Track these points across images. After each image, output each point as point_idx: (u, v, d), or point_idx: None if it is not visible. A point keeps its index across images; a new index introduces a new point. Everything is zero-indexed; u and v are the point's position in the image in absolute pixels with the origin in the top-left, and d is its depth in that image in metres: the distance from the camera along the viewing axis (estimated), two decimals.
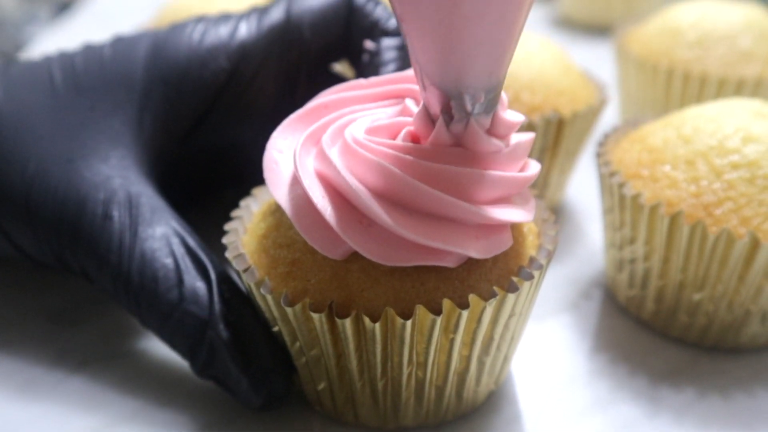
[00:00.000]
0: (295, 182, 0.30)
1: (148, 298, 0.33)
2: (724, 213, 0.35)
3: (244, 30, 0.40)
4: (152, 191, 0.37)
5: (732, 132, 0.36)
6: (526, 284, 0.31)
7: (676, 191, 0.36)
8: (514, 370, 0.38)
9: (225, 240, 0.33)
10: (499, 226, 0.30)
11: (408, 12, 0.25)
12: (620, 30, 0.60)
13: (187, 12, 0.59)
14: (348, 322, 0.29)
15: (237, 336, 0.33)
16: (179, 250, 0.34)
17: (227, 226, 0.34)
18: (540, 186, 0.47)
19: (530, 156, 0.40)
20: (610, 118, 0.62)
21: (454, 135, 0.28)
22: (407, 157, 0.29)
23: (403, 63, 0.40)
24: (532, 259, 0.32)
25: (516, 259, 0.32)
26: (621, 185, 0.37)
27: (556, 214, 0.51)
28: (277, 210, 0.33)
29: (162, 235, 0.35)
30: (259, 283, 0.30)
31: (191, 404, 0.35)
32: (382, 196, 0.28)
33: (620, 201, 0.38)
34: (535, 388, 0.37)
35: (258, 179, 0.37)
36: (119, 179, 0.36)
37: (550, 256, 0.32)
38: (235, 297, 0.34)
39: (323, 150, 0.29)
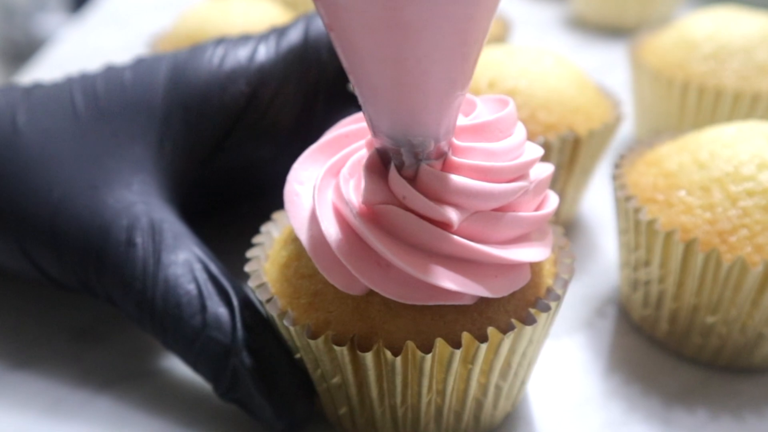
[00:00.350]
0: (315, 217, 0.31)
1: (173, 324, 0.34)
2: (738, 240, 0.35)
3: (263, 53, 0.41)
4: (174, 217, 0.37)
5: (747, 159, 0.37)
6: (543, 315, 0.31)
7: (692, 217, 0.36)
8: (530, 391, 0.38)
9: (247, 268, 0.34)
10: (517, 265, 0.30)
11: (356, 67, 0.25)
12: (635, 39, 0.60)
13: (205, 20, 0.59)
14: (369, 355, 0.30)
15: (259, 362, 0.33)
16: (202, 276, 0.35)
17: (249, 254, 0.35)
18: None
19: None
20: (624, 126, 0.63)
21: (407, 178, 0.29)
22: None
23: None
24: (548, 290, 0.33)
25: (533, 289, 0.32)
26: (637, 210, 0.38)
27: (570, 228, 0.51)
28: (297, 238, 0.34)
29: (185, 261, 0.35)
30: (282, 315, 0.31)
31: (215, 424, 0.36)
32: (399, 237, 0.29)
33: (636, 225, 0.38)
34: (550, 409, 0.38)
35: (276, 195, 0.38)
36: (142, 205, 0.37)
37: (566, 286, 0.33)
38: (257, 323, 0.34)
39: (340, 188, 0.30)
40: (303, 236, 0.31)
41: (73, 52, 0.84)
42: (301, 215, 0.31)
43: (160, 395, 0.38)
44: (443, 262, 0.29)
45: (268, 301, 0.32)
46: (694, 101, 0.53)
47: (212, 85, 0.40)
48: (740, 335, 0.37)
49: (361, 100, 0.27)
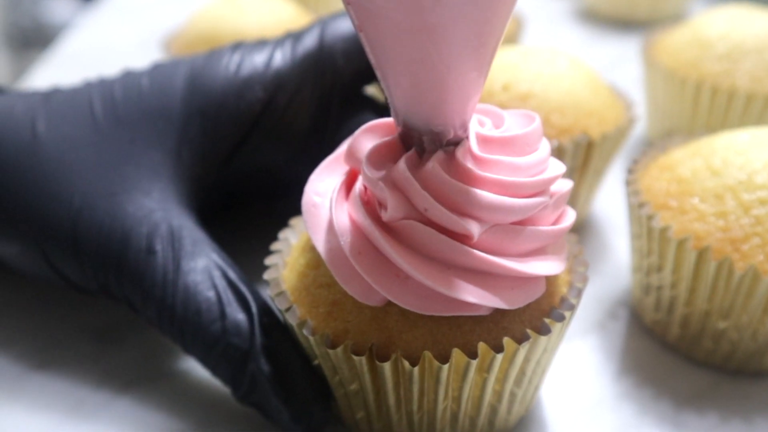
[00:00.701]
0: (333, 229, 0.31)
1: (192, 330, 0.35)
2: (751, 248, 0.36)
3: (279, 59, 0.41)
4: (192, 223, 0.38)
5: (760, 167, 0.37)
6: (558, 324, 0.32)
7: (704, 225, 0.37)
8: (543, 393, 0.39)
9: (266, 276, 0.34)
10: (534, 277, 0.31)
11: (384, 65, 0.27)
12: (648, 37, 0.60)
13: (218, 19, 0.60)
14: (388, 365, 0.30)
15: (277, 368, 0.34)
16: (221, 283, 0.36)
17: (268, 261, 0.35)
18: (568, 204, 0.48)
19: None
20: (637, 124, 0.63)
21: (424, 162, 0.30)
22: None
23: None
24: (563, 299, 0.33)
25: (548, 298, 0.33)
26: (650, 217, 0.38)
27: (583, 229, 0.52)
28: (315, 246, 0.34)
29: (204, 268, 0.36)
30: (301, 324, 0.32)
31: (235, 425, 0.37)
32: (418, 249, 0.29)
33: (648, 232, 0.39)
34: (563, 412, 0.38)
35: (290, 196, 0.39)
36: (161, 212, 0.37)
37: (580, 295, 0.33)
38: (275, 329, 0.35)
39: (357, 201, 0.30)
40: (321, 247, 0.31)
41: (86, 45, 0.84)
42: (319, 226, 0.32)
43: (180, 396, 0.38)
44: (461, 275, 0.30)
45: (288, 310, 0.32)
46: (707, 101, 0.53)
47: (229, 91, 0.40)
48: (751, 341, 0.38)
49: (386, 93, 0.29)
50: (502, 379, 0.33)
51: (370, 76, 0.44)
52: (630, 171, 0.42)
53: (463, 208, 0.29)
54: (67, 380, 0.40)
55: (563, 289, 0.34)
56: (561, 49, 0.50)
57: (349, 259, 0.30)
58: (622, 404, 0.39)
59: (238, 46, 0.42)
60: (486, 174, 0.30)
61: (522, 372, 0.33)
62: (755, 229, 0.36)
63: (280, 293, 0.33)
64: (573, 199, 0.48)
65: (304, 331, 0.31)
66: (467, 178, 0.30)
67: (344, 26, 0.43)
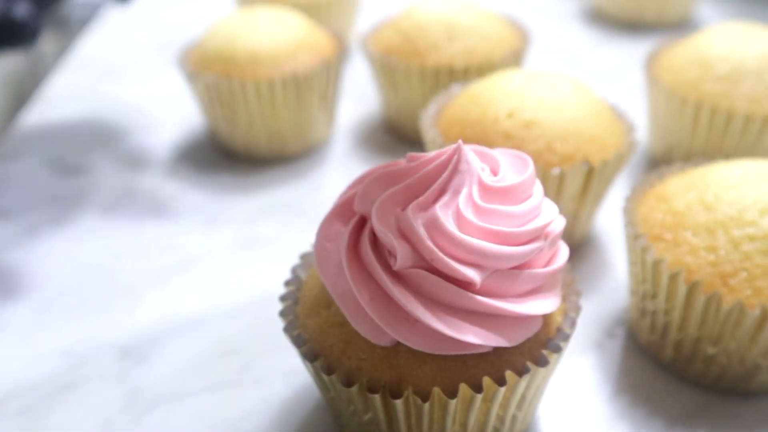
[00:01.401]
0: (344, 274, 0.33)
1: None
2: (738, 282, 0.38)
3: None
4: None
5: (751, 203, 0.39)
6: (555, 355, 0.35)
7: (696, 259, 0.39)
8: (544, 410, 0.42)
9: (281, 315, 0.37)
10: (532, 316, 0.33)
11: None
12: (651, 53, 0.62)
13: (231, 35, 0.61)
14: (400, 401, 0.33)
15: None
16: None
17: (282, 297, 0.38)
18: (569, 226, 0.50)
19: (560, 203, 0.43)
20: (638, 135, 0.65)
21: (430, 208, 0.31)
22: None
23: None
24: (559, 329, 0.36)
25: (545, 328, 0.35)
26: (644, 249, 0.40)
27: (584, 247, 0.54)
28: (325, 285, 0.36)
29: None
30: (318, 364, 0.34)
31: None
32: (425, 296, 0.32)
33: (643, 262, 0.41)
34: (562, 429, 0.41)
35: None
36: None
37: (574, 324, 0.36)
38: None
39: (367, 249, 0.33)
40: (333, 291, 0.34)
41: (103, 49, 0.86)
42: (331, 270, 0.34)
43: (205, 415, 0.41)
44: (466, 318, 0.32)
45: (304, 349, 0.35)
46: (707, 121, 0.55)
47: None
48: (739, 365, 0.40)
49: None
50: (505, 405, 0.35)
51: None
52: (627, 199, 0.44)
53: (467, 258, 0.32)
54: (94, 400, 0.42)
55: (558, 319, 0.37)
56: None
57: (361, 303, 0.32)
58: (617, 423, 0.41)
59: None
60: (487, 225, 0.32)
61: (523, 398, 0.36)
62: (744, 264, 0.38)
63: (297, 333, 0.36)
64: (574, 219, 0.50)
65: (321, 371, 0.34)
66: (469, 229, 0.32)
67: None
